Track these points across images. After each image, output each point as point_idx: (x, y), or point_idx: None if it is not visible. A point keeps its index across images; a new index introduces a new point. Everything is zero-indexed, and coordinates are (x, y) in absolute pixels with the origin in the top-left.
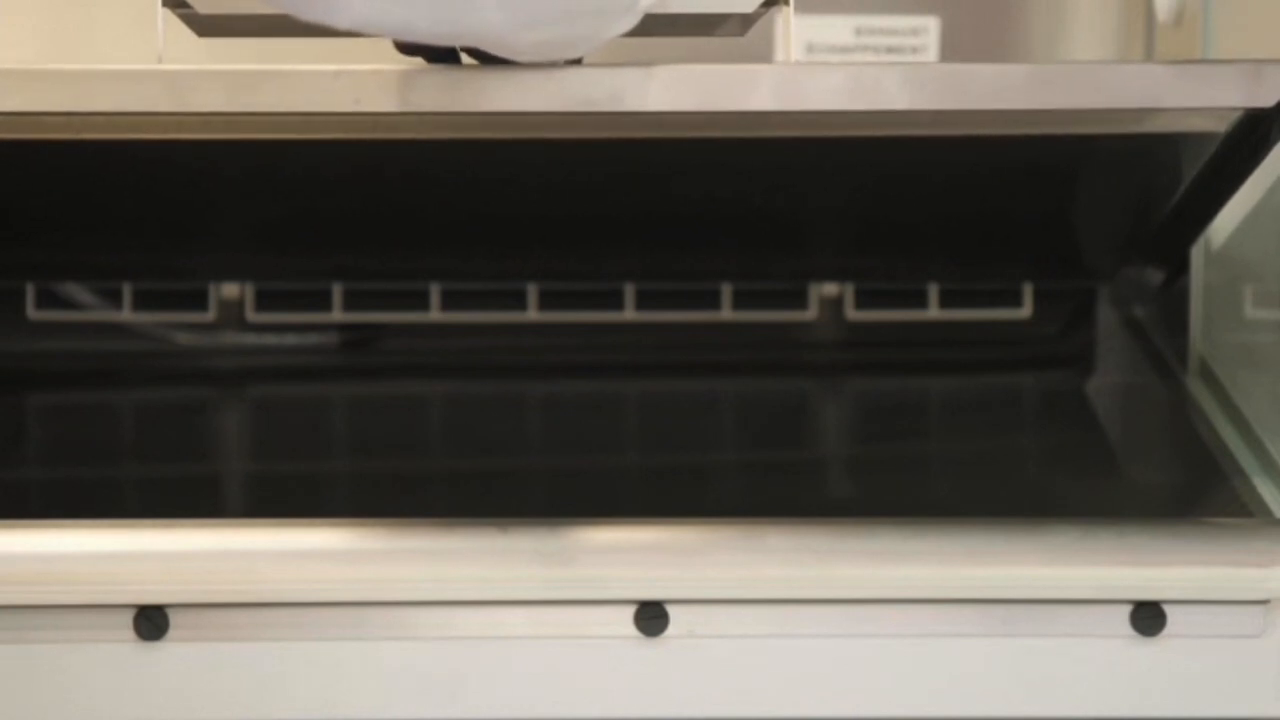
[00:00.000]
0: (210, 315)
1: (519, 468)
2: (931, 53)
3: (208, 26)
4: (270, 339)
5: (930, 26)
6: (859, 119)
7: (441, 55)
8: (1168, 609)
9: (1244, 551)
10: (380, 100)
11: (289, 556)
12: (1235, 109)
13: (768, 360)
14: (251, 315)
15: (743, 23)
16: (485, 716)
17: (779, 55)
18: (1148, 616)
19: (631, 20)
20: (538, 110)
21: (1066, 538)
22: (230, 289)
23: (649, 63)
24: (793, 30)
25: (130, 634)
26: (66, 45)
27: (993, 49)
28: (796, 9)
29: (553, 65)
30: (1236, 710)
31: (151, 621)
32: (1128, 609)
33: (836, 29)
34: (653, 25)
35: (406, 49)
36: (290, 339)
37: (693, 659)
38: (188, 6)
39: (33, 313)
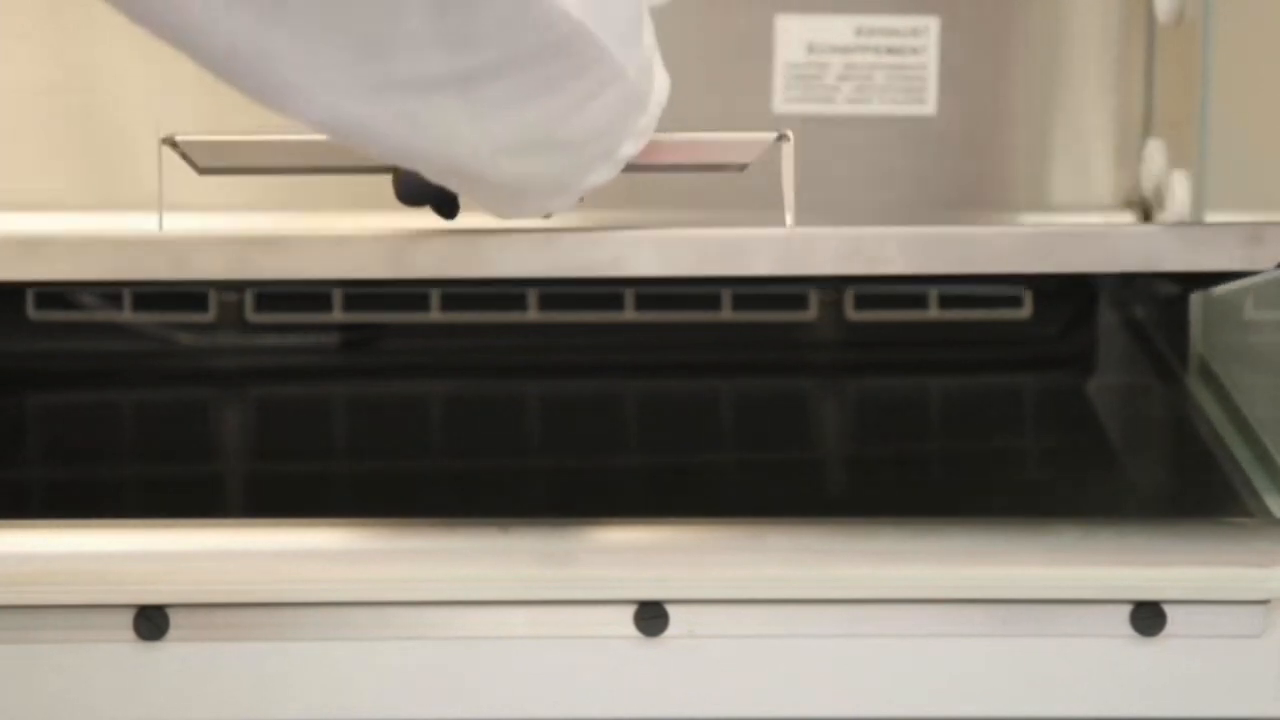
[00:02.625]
0: (210, 315)
1: (519, 468)
2: (931, 53)
3: (207, 164)
4: (270, 339)
5: (930, 26)
6: None
7: (444, 205)
8: (1168, 609)
9: (1244, 551)
10: (378, 267)
11: (289, 556)
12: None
13: (768, 360)
14: (251, 315)
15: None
16: (485, 716)
17: (785, 181)
18: (1148, 616)
19: (611, 170)
20: (537, 276)
21: (1066, 538)
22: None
23: (646, 224)
24: (794, 36)
25: (130, 634)
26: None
27: (992, 49)
28: (797, 9)
29: (550, 228)
30: (1236, 710)
31: (151, 621)
32: (1128, 609)
33: (836, 29)
34: (664, 155)
35: (406, 198)
36: (290, 339)
37: (693, 659)
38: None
39: (33, 313)
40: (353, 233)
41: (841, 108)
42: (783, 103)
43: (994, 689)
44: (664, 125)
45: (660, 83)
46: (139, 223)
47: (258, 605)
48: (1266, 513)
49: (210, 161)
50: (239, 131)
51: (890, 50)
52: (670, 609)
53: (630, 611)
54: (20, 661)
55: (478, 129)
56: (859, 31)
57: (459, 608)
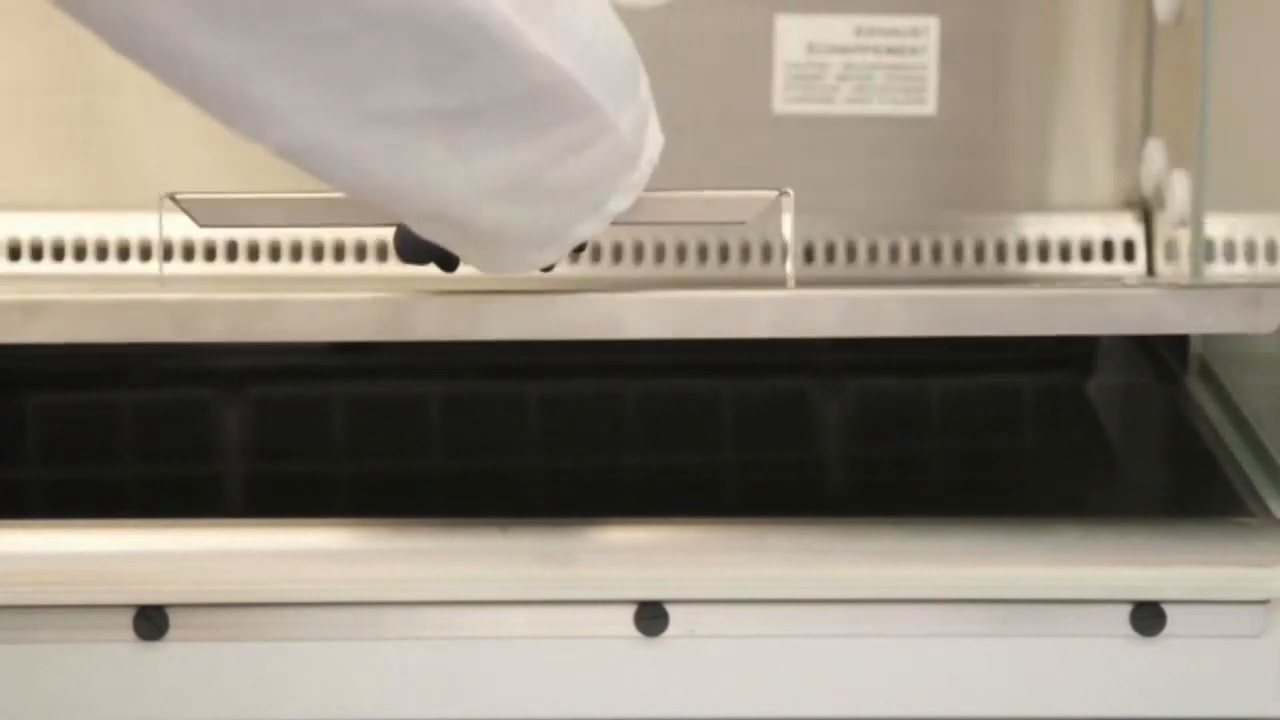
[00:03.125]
0: None
1: (519, 468)
2: (931, 53)
3: (208, 218)
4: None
5: (930, 26)
6: None
7: (445, 262)
8: (1168, 609)
9: (1244, 551)
10: (375, 330)
11: (289, 556)
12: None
13: (768, 360)
14: None
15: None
16: (485, 716)
17: (785, 235)
18: (1148, 616)
19: (599, 224)
20: (535, 339)
21: (1066, 538)
22: None
23: (645, 284)
24: (794, 36)
25: (130, 634)
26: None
27: (992, 49)
28: (797, 9)
29: (549, 290)
30: (1236, 710)
31: (151, 621)
32: (1128, 609)
33: (836, 29)
34: (664, 211)
35: (407, 255)
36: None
37: (693, 659)
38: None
39: None
40: (350, 296)
41: (841, 108)
42: (783, 103)
43: (994, 689)
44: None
45: (654, 141)
46: (139, 223)
47: (258, 605)
48: (1266, 513)
49: (211, 219)
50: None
51: (890, 50)
52: (670, 609)
53: (630, 611)
54: (20, 661)
55: (463, 170)
56: (859, 31)
57: (459, 608)
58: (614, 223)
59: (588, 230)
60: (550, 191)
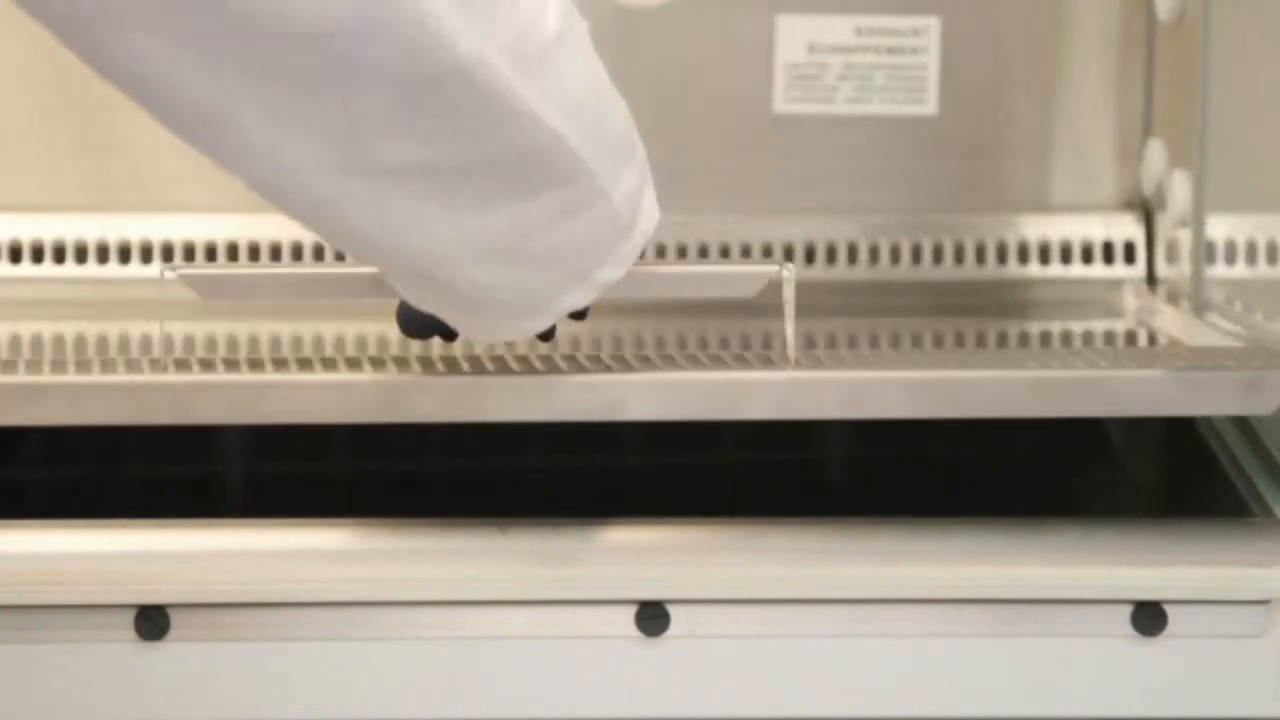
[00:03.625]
0: None
1: (519, 468)
2: (931, 53)
3: (212, 293)
4: None
5: (930, 26)
6: None
7: (447, 335)
8: (1168, 609)
9: (1244, 551)
10: (377, 412)
11: (289, 556)
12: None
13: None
14: None
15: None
16: (485, 716)
17: (786, 311)
18: (1148, 616)
19: (587, 294)
20: (539, 420)
21: (1066, 538)
22: None
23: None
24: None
25: (130, 634)
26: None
27: (992, 49)
28: (797, 9)
29: (551, 372)
30: (1236, 710)
31: (151, 621)
32: (1128, 609)
33: (836, 29)
34: (662, 286)
35: (410, 330)
36: None
37: (693, 659)
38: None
39: None
40: (352, 377)
41: (841, 108)
42: (783, 103)
43: (994, 689)
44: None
45: (648, 214)
46: (139, 224)
47: (258, 605)
48: (1267, 513)
49: (214, 294)
50: None
51: (890, 50)
52: (671, 609)
53: (631, 611)
54: (20, 661)
55: (450, 224)
56: (859, 31)
57: (459, 608)
58: (610, 298)
59: (576, 299)
60: (538, 256)
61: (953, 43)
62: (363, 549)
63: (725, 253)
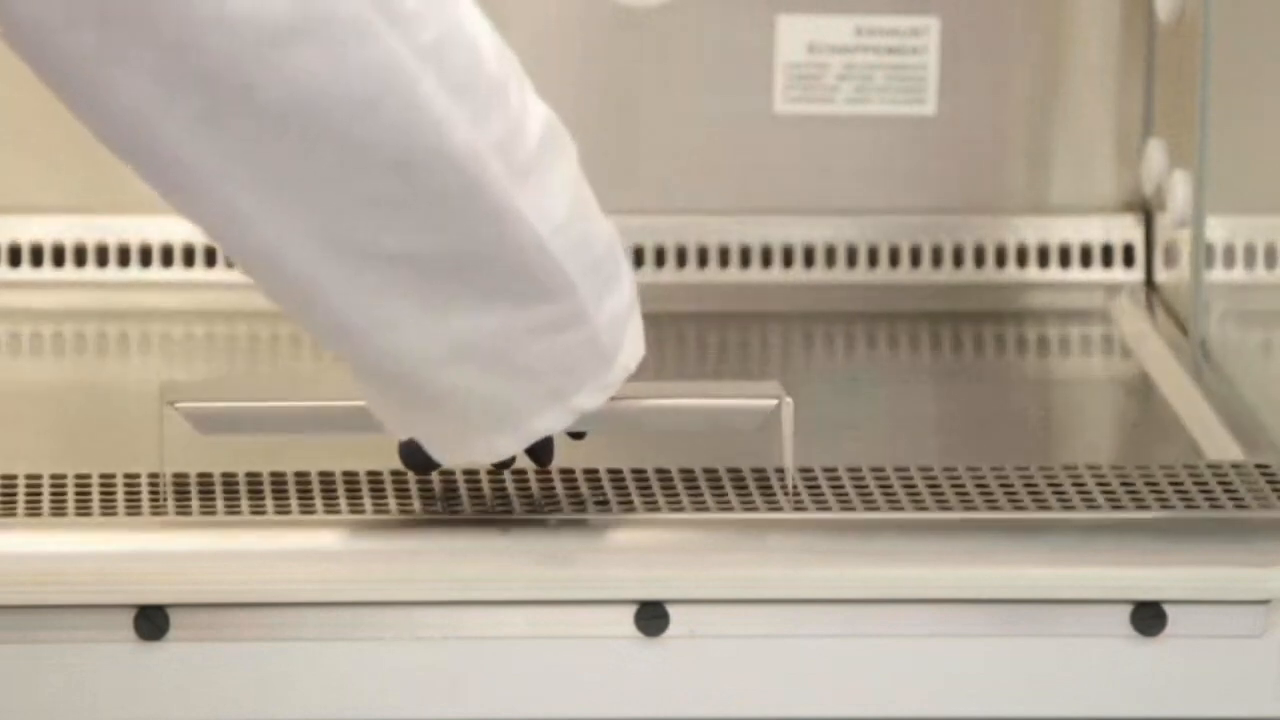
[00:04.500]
0: None
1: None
2: (931, 53)
3: (211, 428)
4: None
5: (930, 26)
6: None
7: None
8: (1168, 609)
9: (1244, 551)
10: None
11: (289, 556)
12: None
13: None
14: None
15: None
16: (485, 716)
17: (785, 443)
18: (1148, 616)
19: (564, 419)
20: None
21: (1066, 538)
22: None
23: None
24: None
25: (130, 634)
26: None
27: (992, 49)
28: (797, 9)
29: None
30: (1236, 710)
31: (151, 621)
32: (1128, 609)
33: (836, 29)
34: (662, 424)
35: (415, 466)
36: None
37: (693, 659)
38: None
39: None
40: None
41: (841, 108)
42: (783, 103)
43: (994, 689)
44: (661, 128)
45: (632, 349)
46: (138, 227)
47: (258, 605)
48: (1267, 513)
49: (214, 429)
50: None
51: (890, 50)
52: (670, 609)
53: (630, 611)
54: (20, 661)
55: (427, 320)
56: (859, 31)
57: (459, 607)
58: (598, 431)
59: (550, 423)
60: (514, 367)
61: (953, 43)
62: (363, 549)
63: (724, 254)
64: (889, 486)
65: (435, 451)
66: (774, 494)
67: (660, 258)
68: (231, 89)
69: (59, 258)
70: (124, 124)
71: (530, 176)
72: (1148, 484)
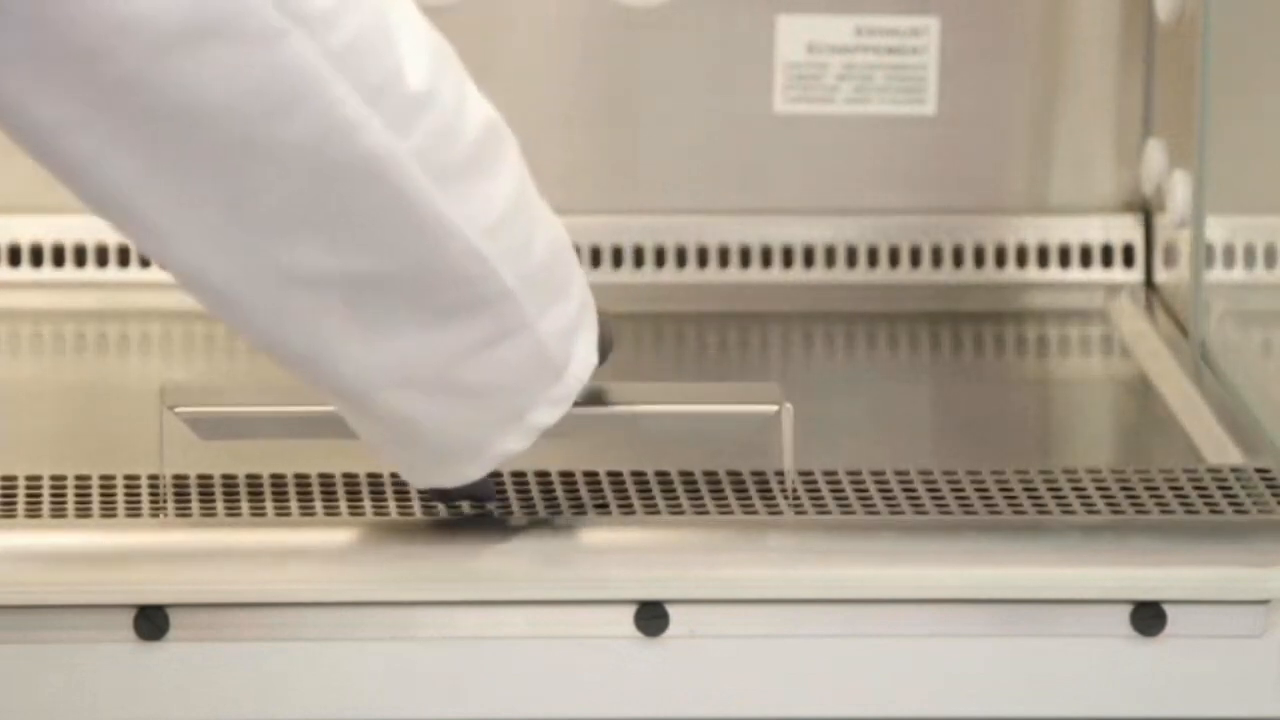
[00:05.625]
0: None
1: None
2: (931, 53)
3: (211, 433)
4: None
5: (930, 27)
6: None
7: (450, 498)
8: (1168, 609)
9: (1244, 551)
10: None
11: (289, 556)
12: None
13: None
14: None
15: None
16: (485, 716)
17: (785, 449)
18: (1148, 616)
19: (525, 439)
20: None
21: (1066, 538)
22: None
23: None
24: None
25: (130, 634)
26: None
27: (992, 49)
28: (797, 9)
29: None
30: (1236, 710)
31: (151, 621)
32: (1128, 609)
33: (836, 29)
34: (661, 429)
35: (424, 492)
36: None
37: (693, 659)
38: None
39: None
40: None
41: (841, 108)
42: (783, 103)
43: (994, 689)
44: (661, 128)
45: (583, 359)
46: None
47: (258, 605)
48: (1266, 512)
49: (213, 434)
50: None
51: (890, 50)
52: (670, 609)
53: (630, 611)
54: (20, 661)
55: (362, 343)
56: (859, 31)
57: (459, 608)
58: (591, 435)
59: (511, 445)
60: (460, 388)
61: (953, 43)
62: (362, 549)
63: (724, 254)
64: (888, 489)
65: (405, 474)
66: (773, 497)
67: (660, 258)
68: (137, 94)
69: (59, 258)
70: (38, 136)
71: (460, 181)
72: (1147, 488)
